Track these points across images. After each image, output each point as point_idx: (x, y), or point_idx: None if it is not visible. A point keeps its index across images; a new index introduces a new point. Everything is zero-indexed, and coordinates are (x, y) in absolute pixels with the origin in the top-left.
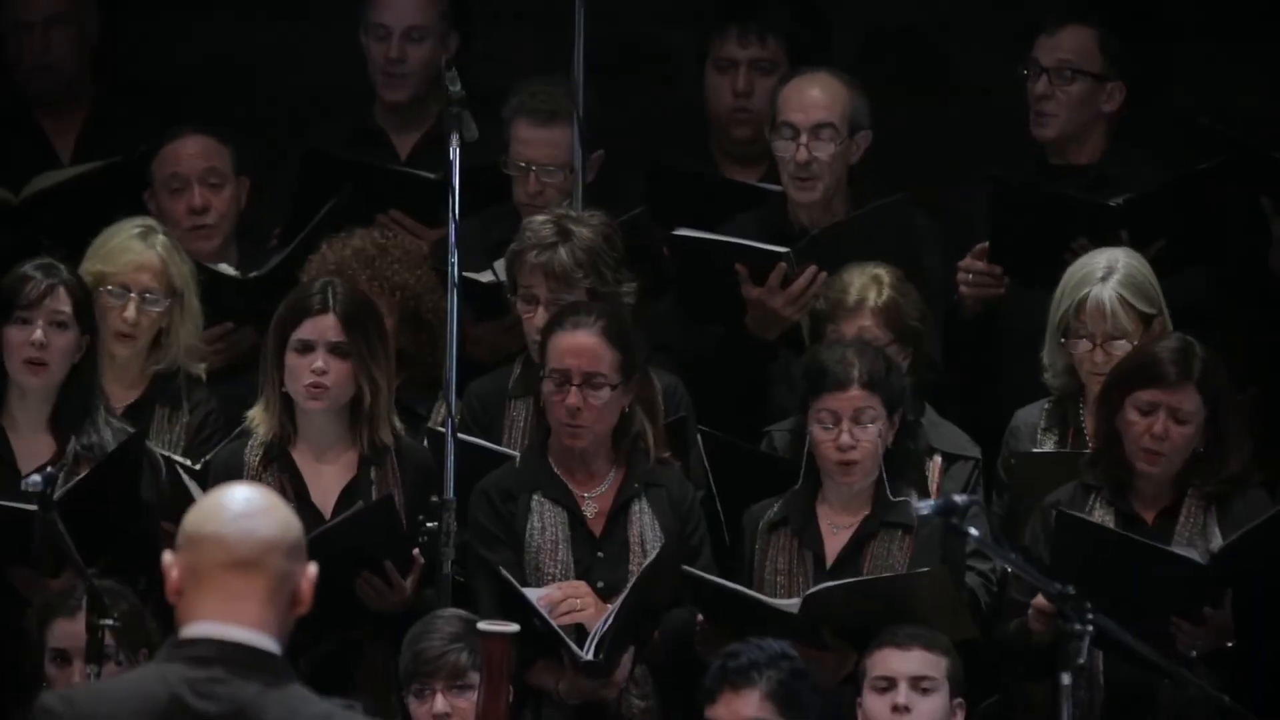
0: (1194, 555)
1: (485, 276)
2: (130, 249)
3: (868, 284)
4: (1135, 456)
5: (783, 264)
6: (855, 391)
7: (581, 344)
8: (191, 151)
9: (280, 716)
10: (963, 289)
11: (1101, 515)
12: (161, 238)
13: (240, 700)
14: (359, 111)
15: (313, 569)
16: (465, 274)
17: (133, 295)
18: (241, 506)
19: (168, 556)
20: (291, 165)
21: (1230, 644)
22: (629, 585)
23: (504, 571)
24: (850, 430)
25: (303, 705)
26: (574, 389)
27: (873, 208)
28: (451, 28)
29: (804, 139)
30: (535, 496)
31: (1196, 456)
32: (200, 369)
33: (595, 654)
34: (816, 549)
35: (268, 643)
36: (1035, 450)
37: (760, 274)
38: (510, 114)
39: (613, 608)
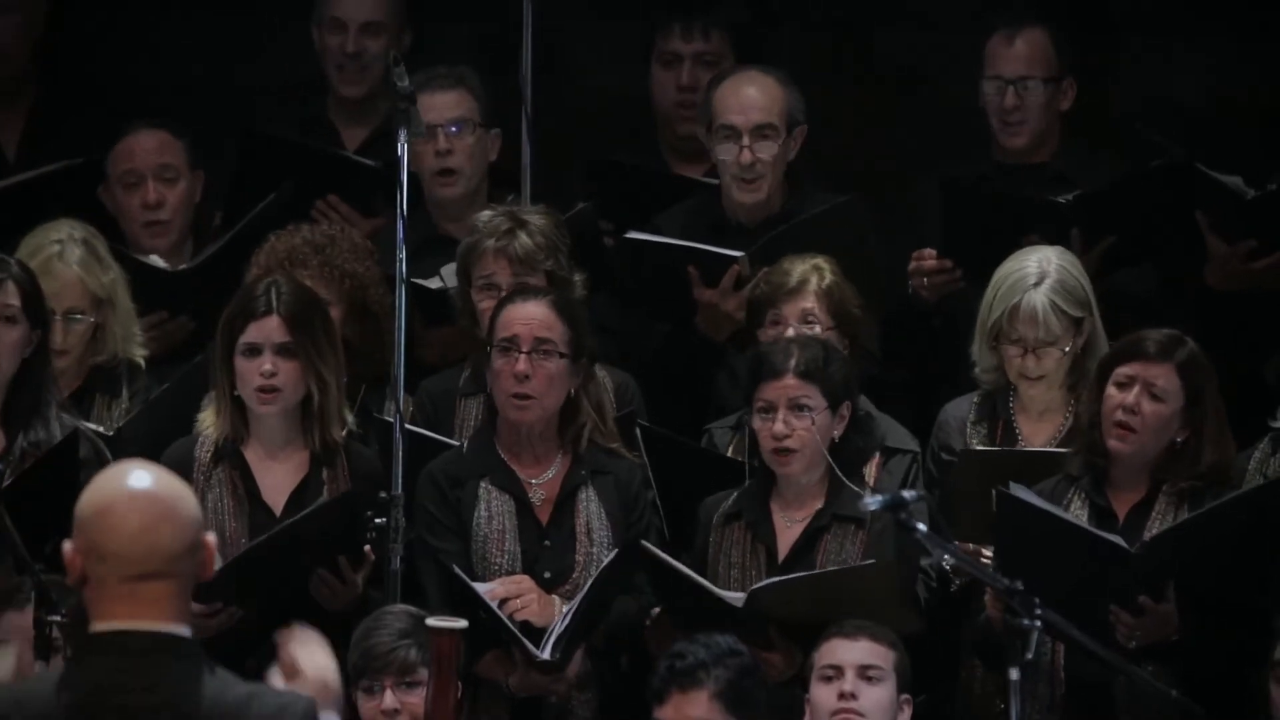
0: (1122, 542)
1: (433, 283)
2: (47, 270)
3: (809, 270)
4: (1108, 433)
5: (737, 267)
6: (790, 380)
7: (532, 312)
8: (146, 146)
9: (205, 702)
10: (919, 291)
11: (1077, 508)
12: (78, 251)
13: (162, 690)
14: (309, 104)
15: (211, 539)
16: (413, 280)
17: (57, 318)
18: (144, 519)
19: (67, 547)
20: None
21: (1175, 637)
22: (587, 586)
23: (456, 569)
24: (785, 419)
25: (226, 688)
26: (523, 355)
27: (824, 209)
28: (406, 23)
29: (746, 141)
30: (483, 483)
31: (1173, 449)
32: (140, 355)
33: (553, 654)
34: (769, 543)
35: (181, 629)
36: (978, 448)
37: (712, 276)
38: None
39: (570, 608)
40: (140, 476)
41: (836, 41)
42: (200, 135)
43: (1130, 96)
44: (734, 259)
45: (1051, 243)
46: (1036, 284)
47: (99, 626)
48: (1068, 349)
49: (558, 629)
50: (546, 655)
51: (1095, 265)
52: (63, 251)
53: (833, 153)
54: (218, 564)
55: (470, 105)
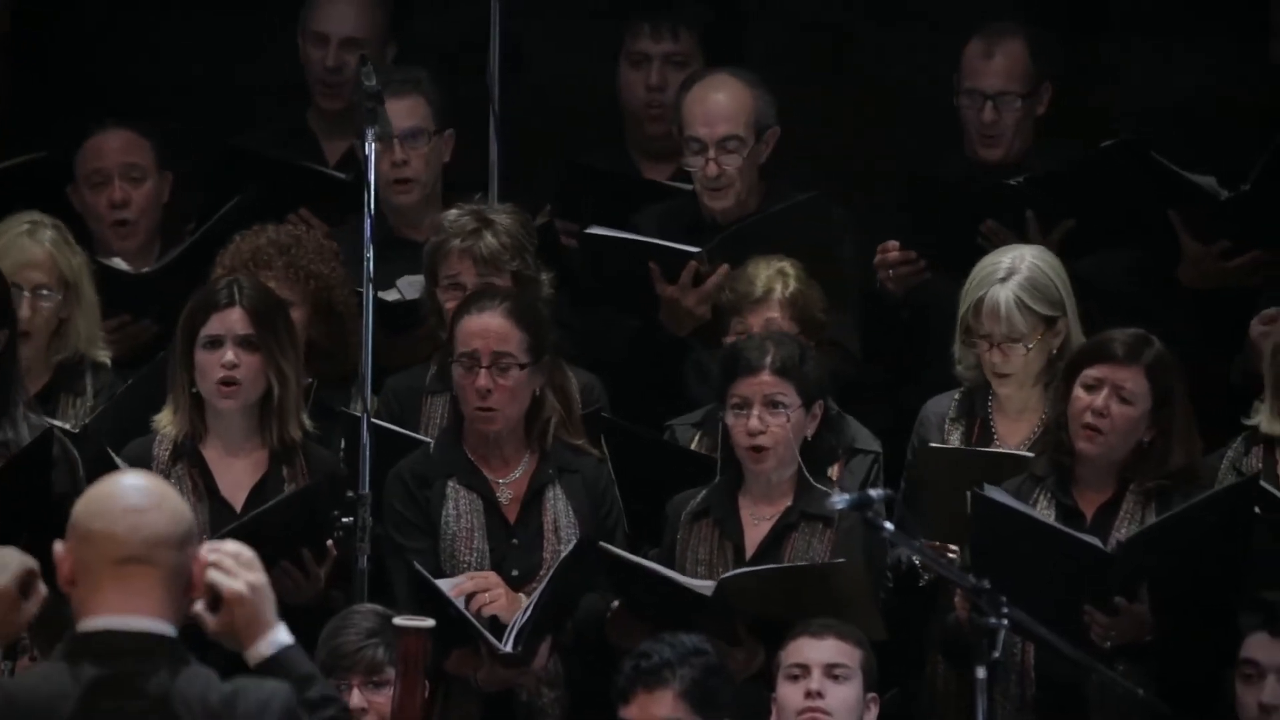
0: (1098, 542)
1: (390, 295)
2: (17, 246)
3: (774, 276)
4: (1076, 435)
5: (695, 263)
6: (766, 377)
7: (488, 325)
8: (113, 146)
9: (191, 700)
10: (886, 283)
11: (1043, 508)
12: (49, 232)
13: (149, 690)
14: (290, 112)
15: (205, 554)
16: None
17: (26, 293)
18: (131, 501)
19: (59, 547)
20: (216, 161)
21: (1149, 638)
22: (546, 577)
23: (418, 565)
24: (760, 415)
25: (211, 686)
26: (483, 370)
27: (787, 205)
28: (390, 38)
29: (712, 153)
30: (450, 483)
31: (1141, 449)
32: (105, 356)
33: (514, 646)
34: (737, 540)
35: (166, 628)
36: (934, 446)
37: (673, 272)
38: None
39: (531, 600)
40: (135, 474)
41: (808, 41)
42: (173, 138)
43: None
44: (692, 255)
45: (1010, 226)
46: (1004, 279)
47: (86, 625)
48: (1032, 346)
49: (519, 622)
50: (508, 648)
51: (1056, 249)
52: (34, 230)
53: (805, 153)
54: None
55: (424, 112)
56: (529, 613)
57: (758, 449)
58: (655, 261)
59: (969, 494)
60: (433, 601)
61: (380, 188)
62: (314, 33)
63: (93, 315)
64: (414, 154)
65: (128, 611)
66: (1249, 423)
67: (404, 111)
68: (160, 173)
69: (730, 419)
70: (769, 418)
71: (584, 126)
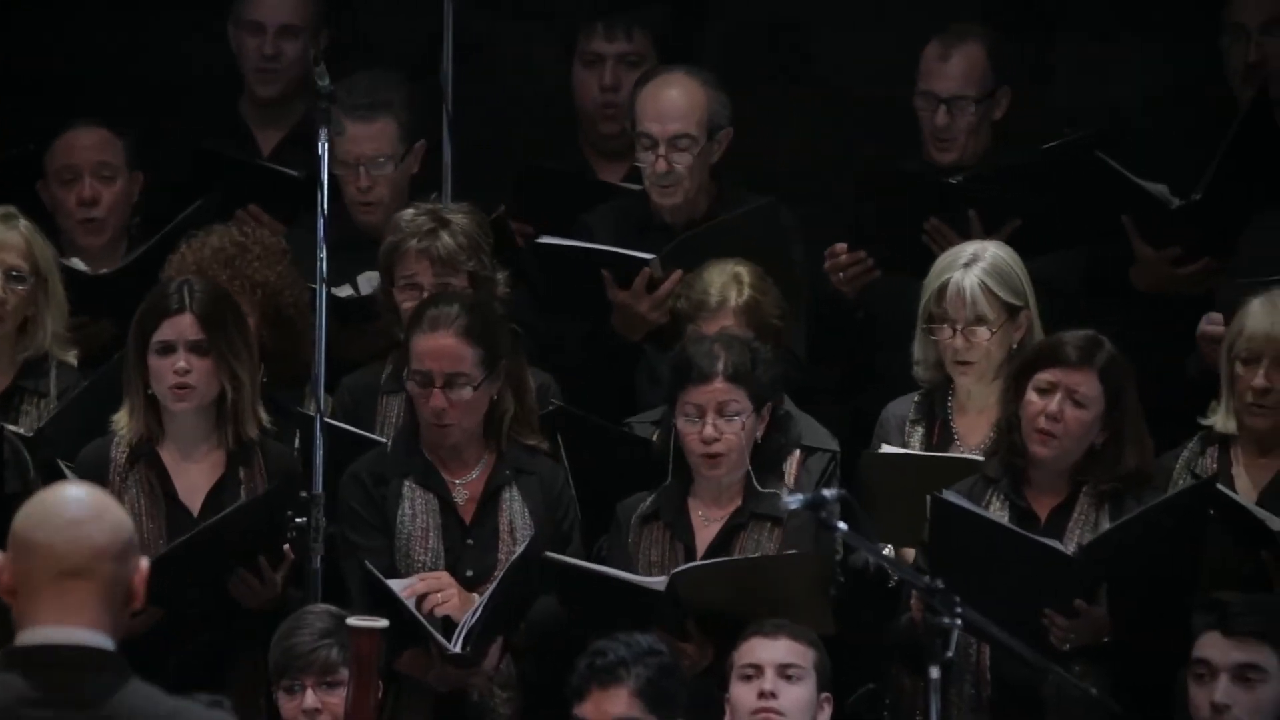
0: (1061, 546)
1: (343, 291)
2: None
3: (728, 283)
4: (1030, 439)
5: (648, 270)
6: (720, 384)
7: (441, 346)
8: (85, 143)
9: (133, 715)
10: (838, 286)
11: (996, 509)
12: (23, 221)
13: (88, 703)
14: (223, 104)
15: (145, 565)
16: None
17: None
18: (71, 513)
19: (0, 557)
20: (160, 156)
21: (1106, 639)
22: (497, 577)
23: (369, 565)
24: (715, 423)
25: (150, 703)
26: (437, 391)
27: (740, 212)
28: (324, 24)
29: (662, 150)
30: (406, 482)
31: (1093, 451)
32: (71, 356)
33: (463, 646)
34: (688, 541)
35: (104, 641)
36: (878, 452)
37: (626, 278)
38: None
39: (481, 600)
40: (75, 486)
41: (764, 42)
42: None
43: (1060, 99)
44: (645, 262)
45: (953, 226)
46: (968, 265)
47: (24, 638)
48: (996, 331)
49: (468, 622)
50: (457, 649)
51: None
52: (9, 218)
53: (759, 153)
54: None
55: (393, 135)
56: (478, 614)
57: (713, 456)
58: (608, 269)
59: (929, 498)
60: (384, 602)
61: (345, 200)
62: (249, 21)
63: (61, 313)
64: (379, 178)
65: (66, 624)
66: (1205, 422)
67: (371, 138)
68: (131, 172)
69: (684, 426)
70: (723, 425)
71: (539, 126)
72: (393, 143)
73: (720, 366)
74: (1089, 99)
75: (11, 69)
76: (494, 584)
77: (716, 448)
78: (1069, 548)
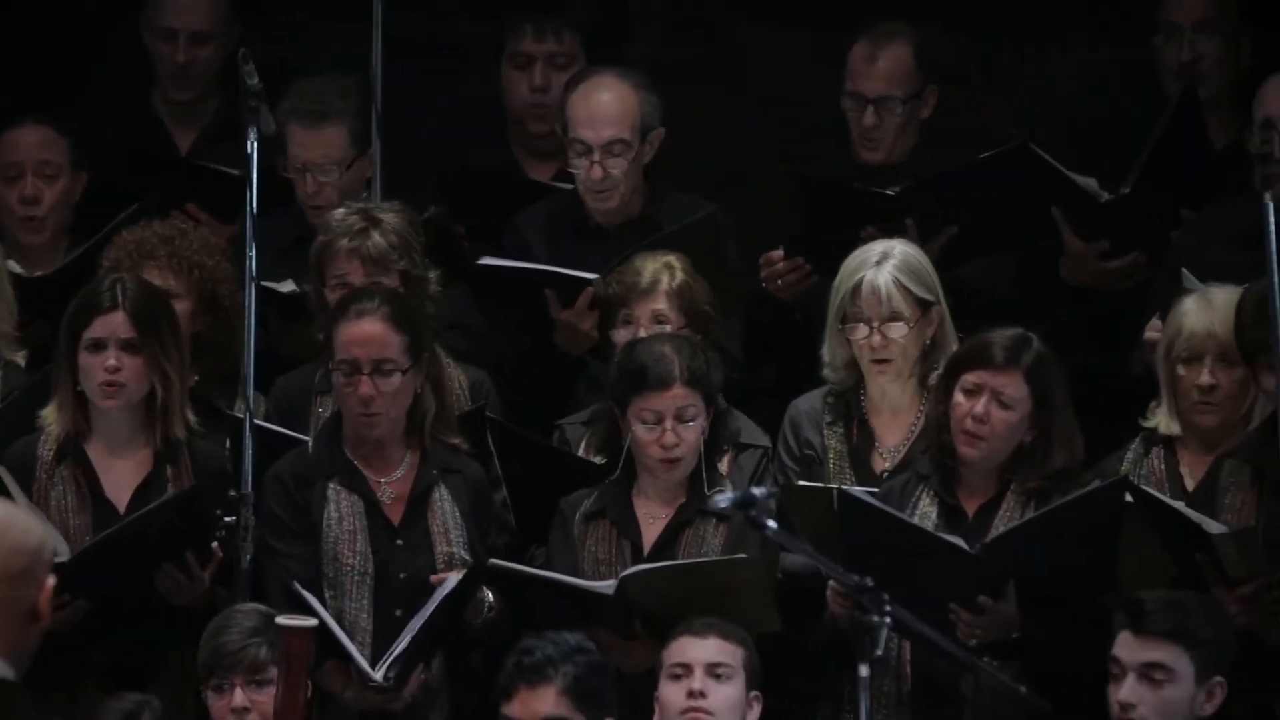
0: (963, 543)
1: (285, 286)
2: None
3: (661, 269)
4: (957, 439)
5: (591, 289)
6: (678, 389)
7: (367, 332)
8: (29, 140)
9: None
10: (776, 292)
11: (926, 506)
12: None
13: None
14: (137, 101)
15: (50, 581)
16: (264, 283)
17: None
18: None
19: None
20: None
21: (1015, 634)
22: (429, 608)
23: (296, 585)
24: (674, 429)
25: None
26: (364, 378)
27: (684, 225)
28: (234, 24)
29: (597, 156)
30: (331, 484)
31: (1021, 450)
32: (19, 356)
33: (387, 673)
34: (635, 538)
35: (4, 670)
36: (800, 484)
37: (568, 297)
38: (282, 118)
39: (409, 628)
40: None
41: (692, 42)
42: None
43: (993, 98)
44: (588, 281)
45: (889, 235)
46: (879, 263)
47: None
48: (913, 326)
49: (396, 649)
50: (379, 677)
51: (935, 256)
52: None
53: (689, 154)
54: (65, 557)
55: (342, 142)
56: (406, 642)
57: (673, 460)
58: (550, 289)
59: (834, 491)
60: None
61: (300, 204)
62: (161, 28)
63: (10, 313)
64: (327, 185)
65: None
66: (1147, 425)
67: (319, 144)
68: (74, 172)
69: (642, 432)
70: (682, 431)
71: (468, 126)
72: (341, 149)
73: (677, 372)
74: (1025, 95)
75: None
76: (427, 613)
77: (676, 453)
78: (956, 541)
